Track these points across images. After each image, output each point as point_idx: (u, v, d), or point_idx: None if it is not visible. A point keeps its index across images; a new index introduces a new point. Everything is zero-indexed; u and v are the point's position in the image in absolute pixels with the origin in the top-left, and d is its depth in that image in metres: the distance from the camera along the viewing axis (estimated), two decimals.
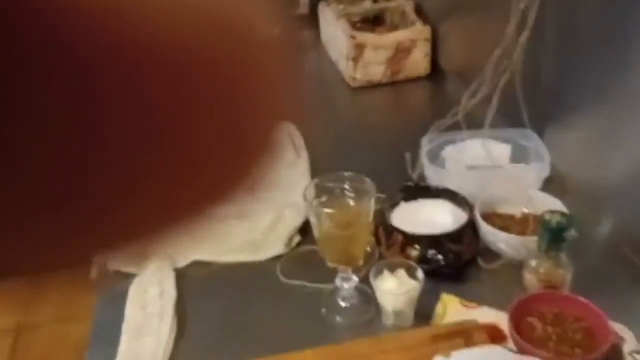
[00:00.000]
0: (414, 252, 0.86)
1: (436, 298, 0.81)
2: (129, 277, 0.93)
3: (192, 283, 0.91)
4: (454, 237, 0.86)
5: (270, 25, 0.21)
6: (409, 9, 1.53)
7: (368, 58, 1.44)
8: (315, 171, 1.14)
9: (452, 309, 0.80)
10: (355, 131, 1.35)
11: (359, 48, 1.43)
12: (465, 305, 0.80)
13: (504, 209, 0.94)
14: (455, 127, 1.09)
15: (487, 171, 1.02)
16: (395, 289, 0.77)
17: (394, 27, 1.58)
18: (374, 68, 1.46)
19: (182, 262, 0.95)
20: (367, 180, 0.77)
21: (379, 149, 1.24)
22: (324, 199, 0.79)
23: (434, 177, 1.02)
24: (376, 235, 0.89)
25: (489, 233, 0.88)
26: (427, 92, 1.49)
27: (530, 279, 0.79)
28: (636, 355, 0.70)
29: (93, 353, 0.82)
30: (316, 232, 0.78)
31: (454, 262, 0.85)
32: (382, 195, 0.89)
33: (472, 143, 1.07)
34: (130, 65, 0.17)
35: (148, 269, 0.92)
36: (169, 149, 0.19)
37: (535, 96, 1.04)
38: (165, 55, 0.17)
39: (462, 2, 1.41)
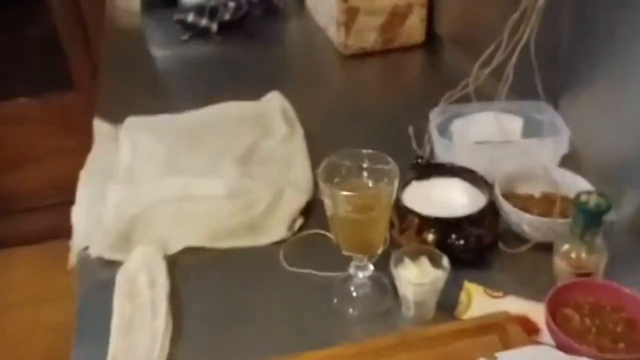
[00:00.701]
0: (432, 236, 0.79)
1: (457, 286, 0.75)
2: (113, 265, 0.83)
3: (186, 271, 0.83)
4: (475, 219, 0.79)
5: None
6: None
7: (361, 23, 1.35)
8: (309, 146, 1.06)
9: (476, 298, 0.73)
10: (349, 103, 1.26)
11: (352, 12, 1.33)
12: (491, 295, 0.74)
13: (523, 189, 0.88)
14: (461, 99, 1.01)
15: (501, 146, 0.95)
16: (418, 278, 0.69)
17: None
18: (367, 34, 1.37)
19: (172, 248, 0.86)
20: (390, 159, 0.69)
21: (376, 122, 1.16)
22: (337, 179, 0.70)
23: (444, 153, 0.95)
24: None
25: (513, 215, 0.81)
26: (423, 60, 1.41)
27: (561, 265, 0.73)
28: None
29: (79, 352, 0.73)
30: (331, 217, 0.70)
31: (475, 246, 0.78)
32: None
33: (482, 116, 1.00)
34: None
35: (135, 256, 0.83)
36: None
37: (549, 66, 0.97)
38: None
39: None
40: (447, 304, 0.74)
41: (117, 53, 1.51)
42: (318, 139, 1.08)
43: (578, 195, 0.71)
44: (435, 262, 0.72)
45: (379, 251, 0.72)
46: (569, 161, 0.93)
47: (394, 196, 0.69)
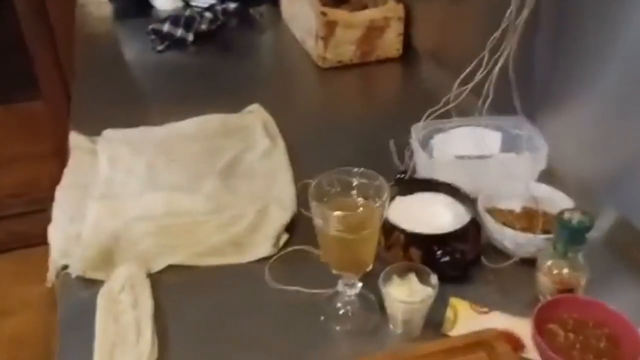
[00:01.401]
0: (417, 252, 0.80)
1: (442, 302, 0.76)
2: (94, 284, 0.82)
3: (170, 290, 0.81)
4: (459, 235, 0.80)
5: None
6: None
7: (339, 37, 1.35)
8: (290, 160, 1.06)
9: (463, 314, 0.74)
10: (328, 116, 1.27)
11: (330, 26, 1.34)
12: (476, 310, 0.75)
13: (504, 204, 0.89)
14: (441, 114, 1.03)
15: (480, 161, 0.97)
16: (408, 296, 0.70)
17: (362, 5, 1.50)
18: (345, 47, 1.37)
19: (156, 267, 0.84)
20: (380, 177, 0.69)
21: (355, 136, 1.17)
22: (326, 198, 0.70)
23: (426, 167, 0.96)
24: None
25: (496, 230, 0.82)
26: (400, 74, 1.42)
27: (544, 281, 0.75)
28: None
29: None
30: (321, 236, 0.70)
31: (461, 262, 0.79)
32: None
33: (462, 131, 1.02)
34: None
35: (117, 275, 0.81)
36: None
37: (527, 83, 0.99)
38: None
39: None
40: (432, 319, 0.75)
41: (89, 61, 1.48)
42: (299, 153, 1.08)
43: (561, 213, 0.72)
44: (422, 279, 0.73)
45: (369, 268, 0.72)
46: (547, 176, 0.95)
47: (384, 215, 0.69)
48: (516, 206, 0.89)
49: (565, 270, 0.74)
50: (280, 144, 1.09)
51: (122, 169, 1.02)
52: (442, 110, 1.00)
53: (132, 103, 1.28)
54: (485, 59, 0.95)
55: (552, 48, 0.98)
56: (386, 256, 0.81)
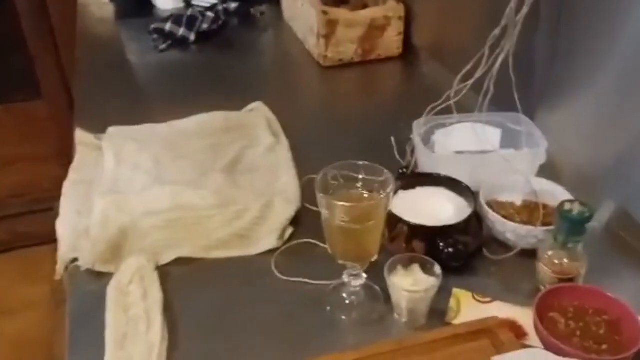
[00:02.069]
0: (421, 244, 0.81)
1: (445, 292, 0.77)
2: (103, 277, 0.83)
3: (178, 283, 0.83)
4: (461, 227, 0.82)
5: None
6: None
7: (340, 36, 1.37)
8: (294, 157, 1.07)
9: (465, 304, 0.76)
10: (330, 113, 1.29)
11: (332, 25, 1.36)
12: (479, 300, 0.76)
13: (504, 197, 0.91)
14: (442, 111, 1.05)
15: (480, 156, 0.99)
16: (412, 286, 0.72)
17: (362, 4, 1.52)
18: (346, 46, 1.39)
19: (163, 260, 0.86)
20: (385, 170, 0.71)
21: (357, 132, 1.19)
22: (331, 190, 0.72)
23: (427, 162, 0.97)
24: None
25: (498, 223, 0.84)
26: (401, 71, 1.44)
27: (544, 271, 0.77)
28: None
29: None
30: (327, 227, 0.72)
31: (463, 254, 0.80)
32: None
33: (462, 127, 1.04)
34: None
35: (127, 268, 0.82)
36: None
37: (527, 79, 1.01)
38: None
39: None
40: (436, 310, 0.76)
41: (92, 61, 1.49)
42: (301, 149, 1.10)
43: (562, 204, 0.74)
44: (426, 270, 0.75)
45: (374, 259, 0.73)
46: (547, 170, 0.97)
47: (389, 206, 0.71)
48: (517, 199, 0.91)
49: (566, 261, 0.75)
50: (284, 141, 1.10)
51: (127, 165, 1.03)
52: (442, 106, 1.02)
53: (135, 101, 1.30)
54: (486, 56, 0.97)
55: (552, 45, 1.00)
56: (390, 248, 0.82)
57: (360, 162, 0.72)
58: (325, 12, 1.35)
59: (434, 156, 0.98)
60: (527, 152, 0.97)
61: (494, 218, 0.84)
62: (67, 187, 0.99)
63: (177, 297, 0.81)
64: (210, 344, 0.75)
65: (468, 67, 0.99)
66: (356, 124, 1.23)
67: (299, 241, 0.89)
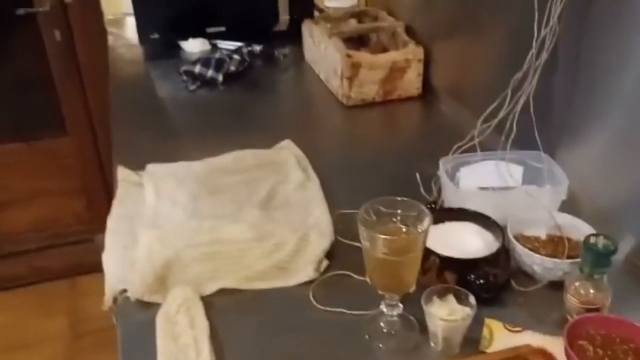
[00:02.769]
0: (452, 276, 0.86)
1: (477, 322, 0.81)
2: (150, 307, 0.88)
3: (222, 312, 0.87)
4: (491, 260, 0.86)
5: None
6: (400, 29, 1.54)
7: (363, 77, 1.44)
8: (324, 193, 1.12)
9: (497, 333, 0.80)
10: (355, 151, 1.34)
11: (355, 67, 1.43)
12: (510, 330, 0.80)
13: (529, 231, 0.96)
14: (465, 149, 1.10)
15: (504, 192, 1.04)
16: (448, 315, 0.76)
17: (382, 47, 1.59)
18: (368, 87, 1.46)
19: (206, 291, 0.90)
20: (420, 205, 0.76)
21: (382, 170, 1.24)
22: (371, 224, 0.77)
23: (453, 198, 1.03)
24: None
25: (525, 255, 0.89)
26: (420, 111, 1.51)
27: (571, 302, 0.81)
28: None
29: None
30: (367, 259, 0.77)
31: (494, 285, 0.85)
32: None
33: (486, 164, 1.09)
34: None
35: (173, 298, 0.87)
36: None
37: (547, 119, 1.07)
38: None
39: (453, 24, 1.44)
40: (469, 339, 0.80)
41: (125, 100, 1.56)
42: (328, 185, 1.15)
43: (588, 237, 0.79)
44: (460, 300, 0.79)
45: (412, 289, 0.78)
46: (567, 205, 1.02)
47: (427, 240, 0.76)
48: (541, 233, 0.95)
49: (592, 291, 0.80)
50: (314, 177, 1.16)
51: (166, 200, 1.08)
52: (468, 145, 1.07)
53: (168, 138, 1.36)
54: (508, 97, 1.03)
55: (570, 87, 1.06)
56: (422, 279, 0.87)
57: (398, 198, 0.77)
58: (349, 56, 1.42)
59: (460, 192, 1.03)
60: (549, 188, 1.02)
61: (521, 251, 0.89)
62: (112, 221, 1.05)
63: (222, 326, 0.85)
64: None
65: (490, 108, 1.05)
66: (380, 160, 1.28)
67: (334, 272, 0.93)
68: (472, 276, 0.84)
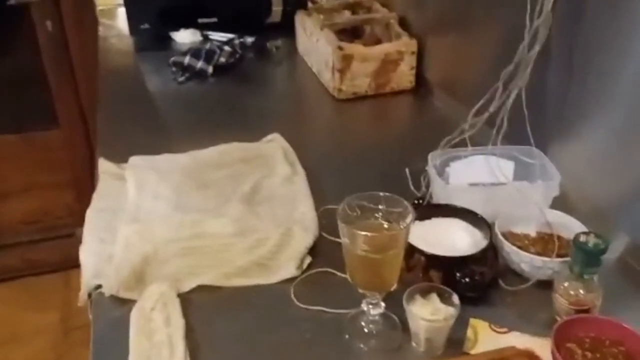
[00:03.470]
0: (437, 274, 0.83)
1: (462, 322, 0.79)
2: (126, 303, 0.85)
3: (199, 310, 0.84)
4: (478, 258, 0.84)
5: None
6: (394, 21, 1.51)
7: (355, 70, 1.41)
8: (310, 187, 1.10)
9: (482, 334, 0.77)
10: (344, 144, 1.31)
11: (347, 59, 1.39)
12: (496, 331, 0.78)
13: (519, 228, 0.93)
14: (456, 144, 1.07)
15: (494, 188, 1.01)
16: (431, 315, 0.73)
17: (375, 39, 1.56)
18: (360, 80, 1.43)
19: (185, 287, 0.87)
20: (405, 201, 0.73)
21: (371, 164, 1.21)
22: (352, 220, 0.74)
23: (441, 194, 1.00)
24: None
25: (513, 254, 0.86)
26: (413, 104, 1.47)
27: (561, 302, 0.78)
28: None
29: None
30: (348, 256, 0.74)
31: (480, 284, 0.82)
32: None
33: (476, 159, 1.06)
34: None
35: (149, 294, 0.84)
36: None
37: (539, 113, 1.04)
38: None
39: (446, 16, 1.41)
40: (453, 339, 0.77)
41: (113, 92, 1.54)
42: (317, 180, 1.12)
43: (578, 236, 0.76)
44: (444, 299, 0.76)
45: (394, 287, 0.75)
46: (559, 202, 0.99)
47: (409, 237, 0.73)
48: (531, 231, 0.92)
49: (582, 292, 0.77)
50: (300, 171, 1.13)
51: (148, 193, 1.06)
52: (457, 139, 1.04)
53: (155, 131, 1.33)
54: (499, 91, 1.00)
55: (563, 80, 1.03)
56: (407, 277, 0.84)
57: (382, 193, 0.74)
58: (341, 48, 1.39)
59: (449, 187, 1.00)
60: (540, 184, 0.99)
61: (509, 249, 0.86)
62: (90, 214, 1.02)
63: (198, 324, 0.82)
64: None
65: (482, 101, 1.02)
66: (370, 155, 1.25)
67: (317, 270, 0.91)
68: (458, 274, 0.81)
